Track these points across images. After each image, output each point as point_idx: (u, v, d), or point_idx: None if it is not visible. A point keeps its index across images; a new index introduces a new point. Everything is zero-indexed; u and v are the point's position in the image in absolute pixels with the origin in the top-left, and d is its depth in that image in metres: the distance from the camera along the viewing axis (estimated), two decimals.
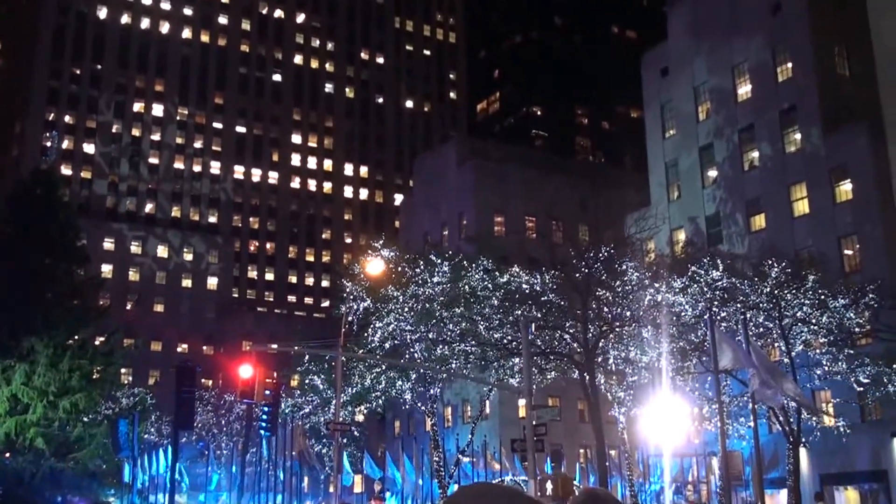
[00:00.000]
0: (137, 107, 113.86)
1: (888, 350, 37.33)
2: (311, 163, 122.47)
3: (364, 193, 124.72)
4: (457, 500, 1.49)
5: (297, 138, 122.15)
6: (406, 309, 41.26)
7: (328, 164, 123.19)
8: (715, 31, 54.85)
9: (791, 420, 35.13)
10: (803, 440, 37.87)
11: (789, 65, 50.80)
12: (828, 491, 41.29)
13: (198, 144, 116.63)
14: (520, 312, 37.12)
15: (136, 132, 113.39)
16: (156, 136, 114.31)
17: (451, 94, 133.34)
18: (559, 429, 49.54)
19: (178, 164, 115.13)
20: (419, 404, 48.98)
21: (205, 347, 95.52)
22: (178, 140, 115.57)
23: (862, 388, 39.23)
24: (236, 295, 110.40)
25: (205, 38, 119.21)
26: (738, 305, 35.46)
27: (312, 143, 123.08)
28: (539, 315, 38.31)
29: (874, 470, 42.62)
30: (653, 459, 42.23)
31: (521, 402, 39.97)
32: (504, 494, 1.50)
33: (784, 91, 50.48)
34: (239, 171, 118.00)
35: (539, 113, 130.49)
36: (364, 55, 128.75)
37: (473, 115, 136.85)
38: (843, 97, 47.92)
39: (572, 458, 52.52)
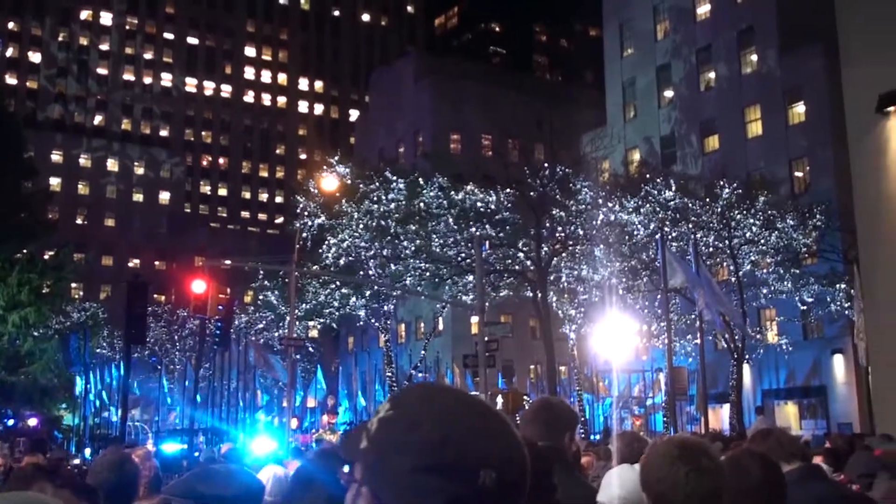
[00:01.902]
0: (85, 14, 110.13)
1: (832, 270, 38.29)
2: (266, 76, 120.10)
3: (319, 108, 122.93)
4: (403, 398, 1.49)
5: (250, 51, 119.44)
6: (361, 226, 41.18)
7: (282, 78, 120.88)
8: None
9: (736, 337, 36.01)
10: (747, 357, 38.94)
11: None
12: (768, 405, 42.68)
13: (148, 56, 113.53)
14: (474, 230, 37.26)
15: (83, 41, 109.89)
16: (104, 46, 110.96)
17: (409, 8, 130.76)
18: (511, 345, 50.23)
19: (128, 76, 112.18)
20: (373, 321, 49.32)
21: (157, 262, 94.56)
22: (128, 50, 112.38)
23: (805, 307, 40.36)
24: (189, 210, 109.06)
25: None
26: (690, 226, 35.96)
27: (266, 57, 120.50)
28: (493, 233, 38.52)
29: (814, 385, 44.14)
30: (602, 375, 43.15)
31: (474, 318, 40.40)
32: (449, 390, 1.50)
33: (743, 11, 50.28)
34: (191, 84, 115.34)
35: (497, 29, 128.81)
36: None
37: (431, 30, 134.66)
38: (800, 19, 47.82)
39: (523, 374, 53.47)
